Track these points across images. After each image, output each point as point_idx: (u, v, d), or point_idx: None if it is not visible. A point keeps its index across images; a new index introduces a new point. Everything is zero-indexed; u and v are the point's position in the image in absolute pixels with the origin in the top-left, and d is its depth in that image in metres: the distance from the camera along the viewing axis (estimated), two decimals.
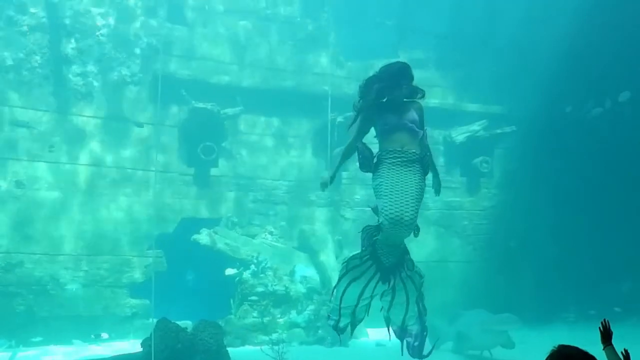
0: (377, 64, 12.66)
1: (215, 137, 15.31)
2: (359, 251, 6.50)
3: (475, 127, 16.40)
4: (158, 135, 14.80)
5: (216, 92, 15.23)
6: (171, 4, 15.42)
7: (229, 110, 15.26)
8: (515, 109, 16.51)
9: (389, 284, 6.32)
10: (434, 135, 16.71)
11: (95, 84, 14.46)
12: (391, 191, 6.14)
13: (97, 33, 14.51)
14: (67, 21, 14.27)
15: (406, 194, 6.14)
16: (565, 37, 15.00)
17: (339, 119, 14.55)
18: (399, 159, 6.24)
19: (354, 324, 6.64)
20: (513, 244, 15.77)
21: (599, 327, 3.11)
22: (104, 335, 13.10)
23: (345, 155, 6.70)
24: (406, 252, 6.41)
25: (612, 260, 14.95)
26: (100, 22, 14.56)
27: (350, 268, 6.34)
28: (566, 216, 15.44)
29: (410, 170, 6.25)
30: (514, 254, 15.78)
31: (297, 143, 16.15)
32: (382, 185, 6.23)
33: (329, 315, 6.86)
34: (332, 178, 6.63)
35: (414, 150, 6.29)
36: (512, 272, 15.66)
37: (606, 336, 3.07)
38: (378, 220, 6.26)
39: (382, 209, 6.14)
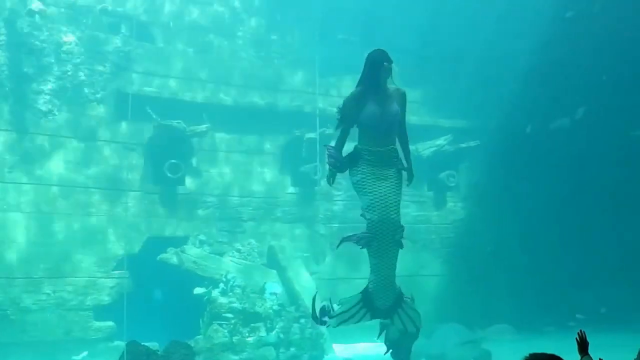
0: (347, 80, 12.74)
1: (182, 154, 15.12)
2: (349, 296, 6.53)
3: (441, 141, 16.61)
4: (123, 154, 14.55)
5: (183, 109, 15.06)
6: (136, 21, 15.25)
7: (196, 128, 15.10)
8: (481, 123, 16.78)
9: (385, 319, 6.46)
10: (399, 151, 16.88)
11: (57, 102, 14.14)
12: (373, 187, 6.15)
13: (59, 50, 14.23)
14: (28, 38, 13.94)
15: (388, 192, 6.18)
16: (531, 54, 15.38)
17: (308, 135, 14.54)
18: (378, 155, 6.33)
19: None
20: (489, 248, 15.96)
21: (576, 338, 3.12)
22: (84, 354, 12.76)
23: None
24: (401, 294, 6.43)
25: (581, 267, 15.28)
26: (62, 39, 14.29)
27: (338, 315, 6.36)
28: (533, 226, 15.74)
29: (388, 166, 6.20)
30: (487, 263, 15.95)
31: (265, 160, 16.07)
32: (364, 181, 6.23)
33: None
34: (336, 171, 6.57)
35: (393, 146, 6.42)
36: (484, 283, 15.81)
37: (583, 347, 3.08)
38: (366, 218, 6.28)
39: (369, 205, 6.15)
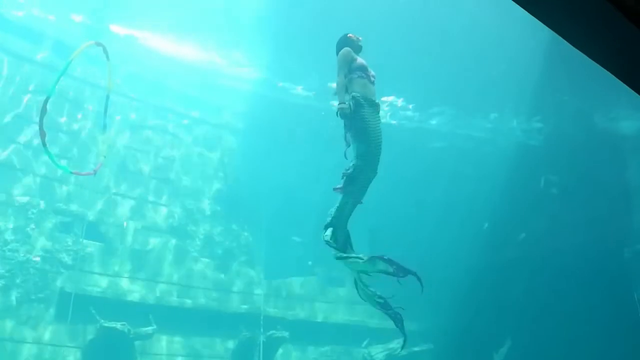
0: (295, 282, 12.78)
1: (125, 359, 14.24)
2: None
3: (394, 344, 16.32)
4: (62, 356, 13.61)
5: (128, 310, 14.55)
6: (88, 221, 15.34)
7: (141, 330, 14.46)
8: (432, 327, 16.76)
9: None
10: (353, 352, 16.51)
11: None
12: (374, 134, 7.09)
13: (4, 248, 13.95)
14: None
15: (381, 139, 7.18)
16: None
17: (262, 338, 14.14)
18: (375, 106, 7.26)
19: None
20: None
21: None
22: None
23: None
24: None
25: None
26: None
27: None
28: None
29: (378, 117, 7.30)
30: None
31: None
32: (366, 129, 7.10)
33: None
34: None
35: (378, 101, 7.43)
36: None
37: None
38: (352, 164, 7.06)
39: (364, 152, 7.03)
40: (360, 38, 7.83)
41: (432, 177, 17.67)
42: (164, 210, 16.92)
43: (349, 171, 7.18)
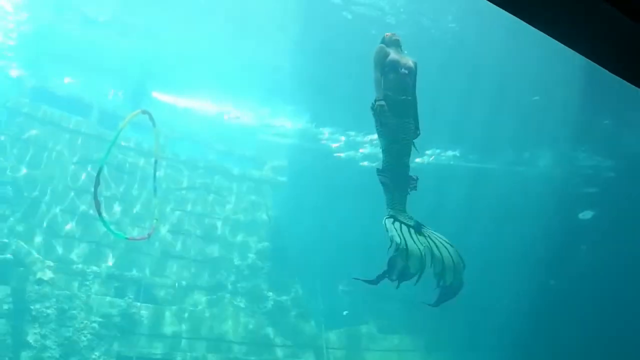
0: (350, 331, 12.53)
1: None
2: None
3: None
4: None
5: None
6: (141, 283, 15.62)
7: None
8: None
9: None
10: None
11: None
12: (396, 131, 7.40)
13: (63, 316, 14.27)
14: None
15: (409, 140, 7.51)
16: None
17: None
18: (401, 104, 7.52)
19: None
20: None
21: None
22: None
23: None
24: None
25: None
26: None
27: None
28: None
29: (407, 116, 7.56)
30: None
31: None
32: (386, 126, 7.45)
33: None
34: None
35: (410, 98, 7.62)
36: None
37: None
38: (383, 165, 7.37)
39: (385, 147, 7.41)
40: (395, 34, 8.15)
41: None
42: (212, 269, 17.11)
43: (381, 166, 7.60)
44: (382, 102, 7.51)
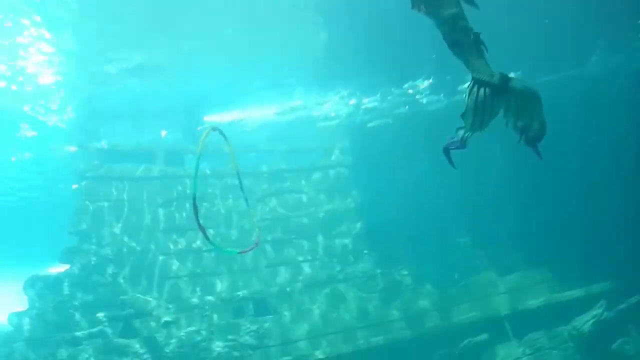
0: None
1: None
2: None
3: (597, 310, 15.16)
4: None
5: None
6: (255, 298, 15.81)
7: None
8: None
9: None
10: (557, 333, 15.50)
11: None
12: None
13: None
14: None
15: None
16: None
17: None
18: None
19: None
20: None
21: None
22: None
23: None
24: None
25: None
26: None
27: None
28: None
29: None
30: None
31: None
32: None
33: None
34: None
35: None
36: None
37: None
38: None
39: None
40: None
41: None
42: (317, 264, 17.16)
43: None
44: None
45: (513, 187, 16.15)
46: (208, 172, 17.49)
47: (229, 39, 15.88)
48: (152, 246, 16.19)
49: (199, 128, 19.13)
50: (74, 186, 18.06)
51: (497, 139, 7.37)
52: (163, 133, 20.76)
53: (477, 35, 6.17)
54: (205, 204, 16.97)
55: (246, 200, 9.53)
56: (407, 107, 19.46)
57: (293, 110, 19.61)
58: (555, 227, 16.04)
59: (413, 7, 6.56)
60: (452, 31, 6.20)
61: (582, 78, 16.87)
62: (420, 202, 17.64)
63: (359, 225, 18.07)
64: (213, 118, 19.49)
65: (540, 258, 16.50)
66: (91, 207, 16.35)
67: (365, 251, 17.58)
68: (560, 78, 16.35)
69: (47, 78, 16.47)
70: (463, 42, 6.20)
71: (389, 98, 19.30)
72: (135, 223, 16.47)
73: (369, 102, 19.47)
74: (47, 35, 14.83)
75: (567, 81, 16.45)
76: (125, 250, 15.96)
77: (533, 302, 15.88)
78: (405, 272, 17.26)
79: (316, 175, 18.81)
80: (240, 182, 9.10)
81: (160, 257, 16.08)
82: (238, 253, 10.97)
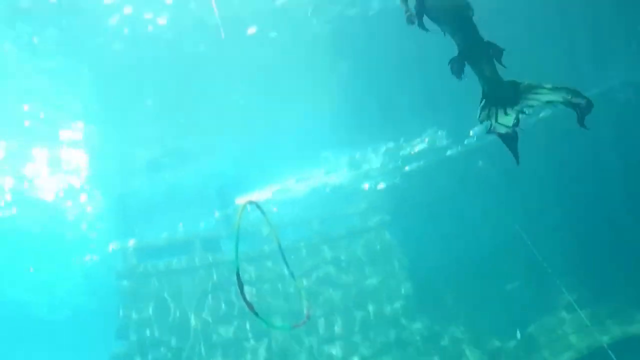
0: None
1: None
2: None
3: None
4: None
5: None
6: None
7: None
8: None
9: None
10: None
11: None
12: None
13: None
14: None
15: None
16: None
17: None
18: None
19: None
20: None
21: None
22: None
23: None
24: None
25: None
26: None
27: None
28: None
29: None
30: None
31: None
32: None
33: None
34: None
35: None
36: None
37: None
38: None
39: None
40: None
41: None
42: (371, 335, 16.41)
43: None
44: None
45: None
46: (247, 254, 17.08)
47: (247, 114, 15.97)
48: (205, 340, 15.66)
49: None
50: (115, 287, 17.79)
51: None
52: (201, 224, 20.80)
53: (490, 44, 6.06)
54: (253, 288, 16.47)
55: (292, 273, 9.09)
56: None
57: (325, 176, 19.48)
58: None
59: (408, 22, 6.43)
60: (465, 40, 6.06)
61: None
62: (465, 249, 17.11)
63: (408, 285, 17.39)
64: (244, 198, 19.43)
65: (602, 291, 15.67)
66: (134, 313, 15.94)
67: (419, 310, 16.85)
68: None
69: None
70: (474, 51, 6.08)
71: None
72: (184, 317, 16.00)
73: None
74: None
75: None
76: (180, 345, 15.48)
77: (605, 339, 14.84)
78: (463, 328, 16.49)
79: (360, 239, 18.23)
80: (283, 255, 8.73)
81: (215, 350, 15.53)
82: (291, 328, 10.46)
